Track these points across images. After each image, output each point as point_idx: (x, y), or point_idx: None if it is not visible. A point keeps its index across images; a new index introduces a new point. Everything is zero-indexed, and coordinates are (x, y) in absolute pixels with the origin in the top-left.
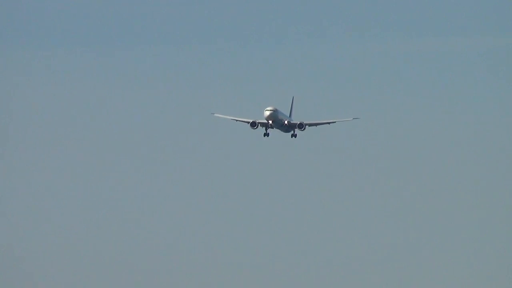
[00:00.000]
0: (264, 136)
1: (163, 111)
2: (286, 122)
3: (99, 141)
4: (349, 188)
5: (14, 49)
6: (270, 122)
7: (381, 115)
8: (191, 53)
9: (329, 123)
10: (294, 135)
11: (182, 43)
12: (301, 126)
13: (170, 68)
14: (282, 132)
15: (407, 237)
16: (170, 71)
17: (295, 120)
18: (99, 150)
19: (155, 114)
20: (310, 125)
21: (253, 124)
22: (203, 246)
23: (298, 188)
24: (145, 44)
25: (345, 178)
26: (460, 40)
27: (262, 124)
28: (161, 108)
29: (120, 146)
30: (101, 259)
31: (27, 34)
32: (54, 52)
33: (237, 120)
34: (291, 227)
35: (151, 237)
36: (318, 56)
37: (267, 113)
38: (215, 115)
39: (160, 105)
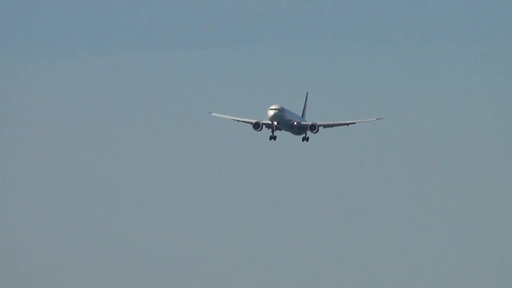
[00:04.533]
0: (270, 139)
1: (157, 110)
2: (295, 123)
3: (97, 141)
4: (371, 205)
5: (13, 51)
6: (275, 123)
7: (409, 115)
8: (197, 49)
9: (347, 124)
10: (305, 139)
11: (184, 40)
12: (313, 127)
13: (170, 67)
14: (292, 135)
15: (435, 247)
16: (171, 70)
17: (308, 121)
18: (96, 150)
19: (153, 113)
20: (325, 126)
21: (257, 126)
22: (202, 256)
23: (309, 202)
24: (144, 42)
25: (367, 192)
26: (482, 45)
27: (267, 126)
28: (156, 106)
29: (114, 148)
30: (99, 258)
31: (22, 36)
32: (53, 54)
33: (238, 121)
34: (301, 245)
35: (146, 240)
36: (334, 53)
37: (271, 112)
38: (213, 114)
39: (155, 104)
